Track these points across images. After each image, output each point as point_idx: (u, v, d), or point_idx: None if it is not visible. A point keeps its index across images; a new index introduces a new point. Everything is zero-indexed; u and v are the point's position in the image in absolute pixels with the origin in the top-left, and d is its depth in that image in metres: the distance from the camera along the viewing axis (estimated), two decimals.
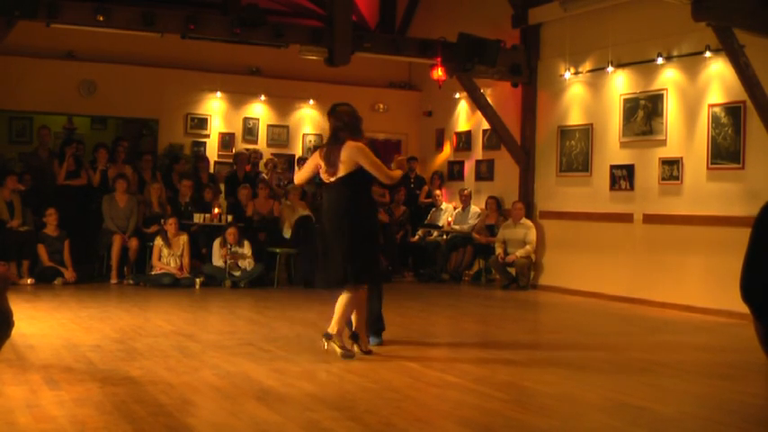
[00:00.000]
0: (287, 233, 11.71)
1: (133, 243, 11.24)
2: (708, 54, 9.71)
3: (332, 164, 6.21)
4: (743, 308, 3.53)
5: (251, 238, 11.43)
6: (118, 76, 13.19)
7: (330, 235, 6.22)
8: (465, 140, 14.03)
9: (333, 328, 6.16)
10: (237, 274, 11.09)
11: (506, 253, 11.93)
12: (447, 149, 14.48)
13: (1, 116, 13.94)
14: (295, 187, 12.24)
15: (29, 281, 10.55)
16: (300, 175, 6.76)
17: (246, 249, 11.18)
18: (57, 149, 12.29)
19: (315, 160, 6.44)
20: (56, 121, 13.95)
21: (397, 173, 6.55)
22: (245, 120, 14.24)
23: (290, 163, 14.26)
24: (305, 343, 6.79)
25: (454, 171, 14.22)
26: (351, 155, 6.17)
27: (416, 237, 13.45)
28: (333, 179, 6.25)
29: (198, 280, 10.97)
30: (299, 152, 14.39)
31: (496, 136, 12.75)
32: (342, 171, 6.18)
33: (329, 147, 6.32)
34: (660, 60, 10.29)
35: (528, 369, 6.10)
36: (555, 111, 12.00)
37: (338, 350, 6.09)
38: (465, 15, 13.23)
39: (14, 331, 4.86)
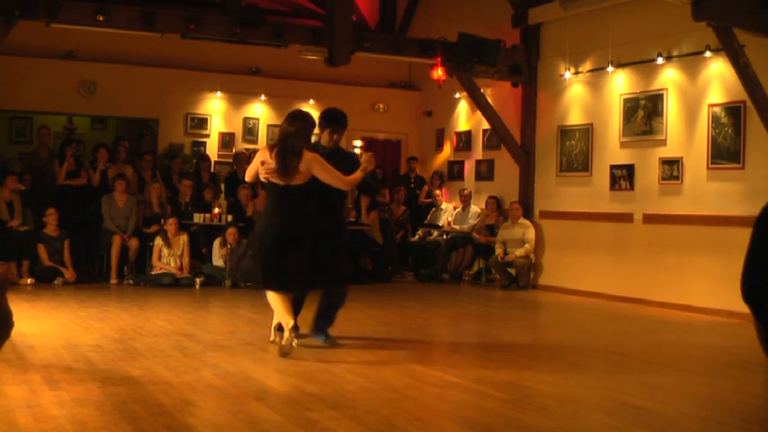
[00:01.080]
0: None
1: (133, 243, 11.23)
2: (708, 54, 9.71)
3: (288, 172, 6.22)
4: (743, 308, 3.52)
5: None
6: (118, 76, 13.19)
7: (291, 239, 6.24)
8: (465, 140, 14.03)
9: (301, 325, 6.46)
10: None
11: (506, 253, 11.94)
12: (447, 149, 14.48)
13: (1, 116, 13.94)
14: None
15: (29, 281, 10.55)
16: (248, 174, 6.69)
17: None
18: (57, 149, 12.29)
19: (262, 158, 6.40)
20: (56, 120, 13.94)
21: (356, 176, 6.46)
22: (246, 120, 14.24)
23: None
24: (305, 342, 6.78)
25: (454, 171, 14.22)
26: (307, 165, 6.24)
27: (416, 237, 13.45)
28: (289, 184, 6.25)
29: (198, 280, 10.97)
30: None
31: (496, 136, 12.75)
32: (299, 180, 6.24)
33: (285, 154, 6.24)
34: (660, 60, 10.29)
35: (528, 369, 6.10)
36: (555, 110, 12.00)
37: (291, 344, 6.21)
38: (465, 15, 13.23)
39: (14, 331, 4.87)
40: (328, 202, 6.48)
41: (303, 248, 6.23)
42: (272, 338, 6.56)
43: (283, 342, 6.12)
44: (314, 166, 6.25)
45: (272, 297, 6.30)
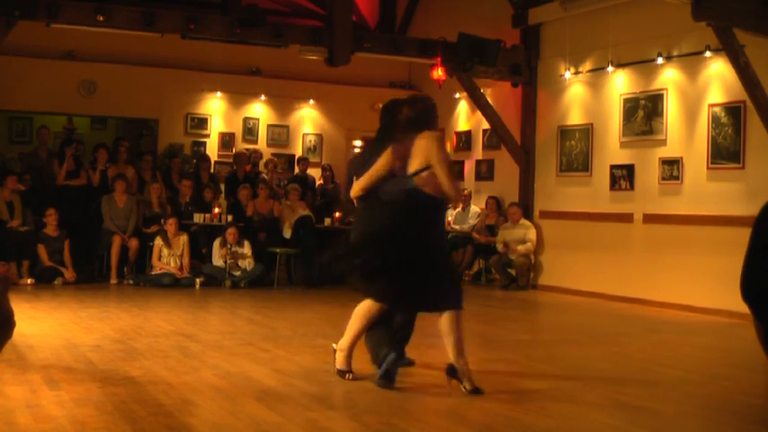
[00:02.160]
0: (287, 233, 11.71)
1: (133, 243, 11.23)
2: (708, 54, 9.71)
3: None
4: (743, 308, 3.53)
5: (251, 238, 11.43)
6: (118, 76, 13.19)
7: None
8: (465, 140, 14.02)
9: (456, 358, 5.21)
10: (237, 274, 11.09)
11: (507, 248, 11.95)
12: (447, 149, 14.48)
13: (1, 116, 13.95)
14: (295, 187, 12.25)
15: (29, 281, 10.54)
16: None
17: (246, 249, 11.18)
18: (56, 149, 12.29)
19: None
20: (56, 121, 13.95)
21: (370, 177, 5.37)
22: (245, 120, 14.25)
23: (289, 163, 14.27)
24: (305, 343, 6.79)
25: (454, 171, 14.18)
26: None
27: None
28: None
29: (198, 280, 10.97)
30: (299, 152, 14.40)
31: (496, 136, 12.75)
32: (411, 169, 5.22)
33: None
34: (660, 60, 10.29)
35: (528, 369, 6.10)
36: (555, 111, 12.00)
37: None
38: (465, 15, 13.23)
39: (14, 331, 4.86)
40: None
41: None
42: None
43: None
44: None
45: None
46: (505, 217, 12.45)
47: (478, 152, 13.70)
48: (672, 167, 10.16)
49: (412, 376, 5.59)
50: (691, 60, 9.99)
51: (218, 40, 11.03)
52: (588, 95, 11.48)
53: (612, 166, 10.99)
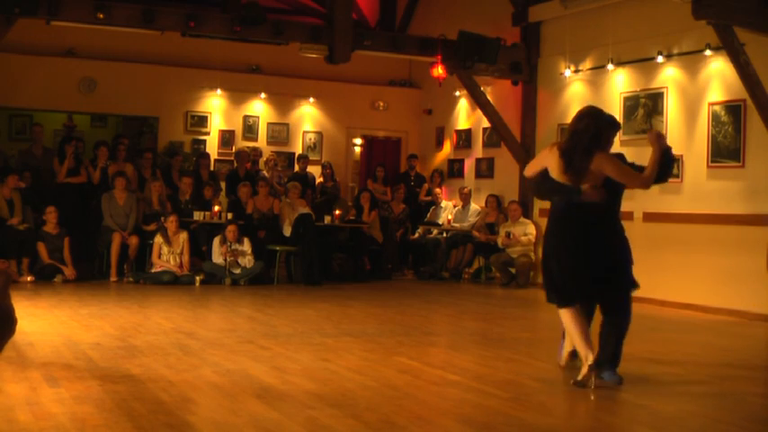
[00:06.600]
0: (287, 231, 11.71)
1: (133, 241, 11.23)
2: (708, 52, 9.71)
3: (576, 171, 5.73)
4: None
5: (251, 235, 11.43)
6: (118, 74, 13.19)
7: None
8: (465, 138, 14.03)
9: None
10: (237, 271, 11.09)
11: (509, 237, 11.96)
12: (447, 147, 14.48)
13: (1, 113, 13.94)
14: (295, 185, 12.25)
15: (29, 279, 10.54)
16: (529, 169, 6.02)
17: (246, 247, 11.17)
18: (55, 147, 12.28)
19: (547, 157, 5.77)
20: (56, 118, 13.95)
21: (651, 169, 6.12)
22: (246, 117, 14.25)
23: (289, 161, 14.27)
24: (305, 340, 6.79)
25: (454, 169, 14.21)
26: (599, 165, 5.76)
27: (416, 234, 13.46)
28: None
29: (198, 277, 10.96)
30: (299, 150, 14.40)
31: (496, 134, 12.75)
32: (589, 182, 5.80)
33: (572, 151, 5.72)
34: (660, 58, 10.29)
35: (528, 367, 6.10)
36: (555, 109, 12.00)
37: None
38: (465, 13, 13.23)
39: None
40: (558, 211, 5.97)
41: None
42: (562, 363, 6.03)
43: (579, 378, 5.39)
44: (605, 165, 5.78)
45: (568, 318, 5.83)
46: (505, 215, 12.45)
47: (478, 150, 13.70)
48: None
49: (412, 374, 5.59)
50: (691, 59, 9.99)
51: (218, 38, 11.04)
52: (588, 93, 11.47)
53: None
